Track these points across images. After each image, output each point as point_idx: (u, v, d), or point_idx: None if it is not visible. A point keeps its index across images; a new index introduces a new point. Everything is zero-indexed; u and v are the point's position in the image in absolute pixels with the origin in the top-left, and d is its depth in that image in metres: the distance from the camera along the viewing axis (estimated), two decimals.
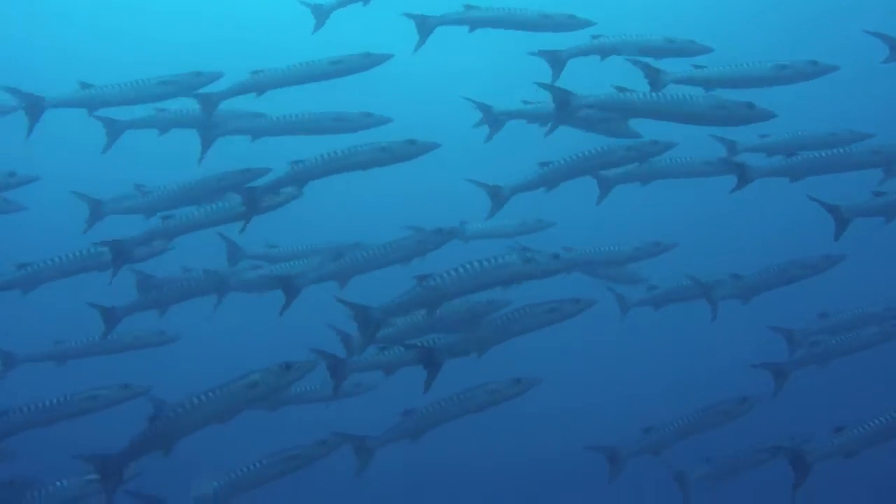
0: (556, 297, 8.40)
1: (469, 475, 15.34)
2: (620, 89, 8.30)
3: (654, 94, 8.37)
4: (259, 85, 9.56)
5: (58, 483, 8.23)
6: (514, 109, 9.76)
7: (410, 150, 8.78)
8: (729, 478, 10.58)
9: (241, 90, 9.59)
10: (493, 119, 9.73)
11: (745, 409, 9.80)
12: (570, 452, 10.01)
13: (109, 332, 9.36)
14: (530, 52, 9.29)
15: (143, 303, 9.56)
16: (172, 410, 7.11)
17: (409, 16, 9.89)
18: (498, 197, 9.06)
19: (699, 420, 9.72)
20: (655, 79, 8.57)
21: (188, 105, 9.81)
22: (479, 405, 8.66)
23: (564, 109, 8.33)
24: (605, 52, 9.37)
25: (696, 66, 8.91)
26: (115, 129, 9.85)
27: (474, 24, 9.89)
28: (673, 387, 14.76)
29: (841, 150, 9.25)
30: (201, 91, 9.48)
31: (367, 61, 9.61)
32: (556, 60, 9.23)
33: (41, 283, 9.24)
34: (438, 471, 15.04)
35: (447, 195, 13.00)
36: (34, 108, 9.54)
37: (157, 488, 8.36)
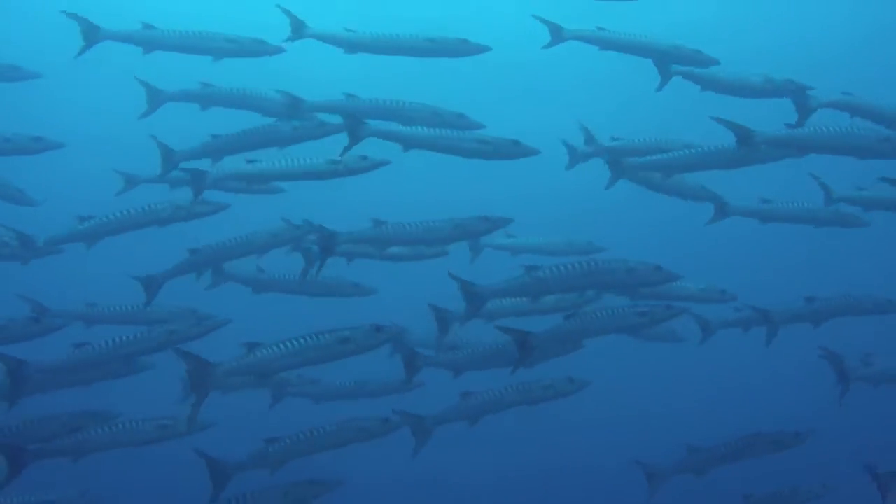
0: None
1: (515, 484, 15.39)
2: (791, 126, 8.51)
3: (826, 129, 8.44)
4: (352, 42, 9.61)
5: (136, 422, 8.37)
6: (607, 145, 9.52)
7: (512, 150, 8.79)
8: None
9: (333, 41, 9.61)
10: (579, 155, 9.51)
11: (797, 441, 9.68)
12: (610, 464, 9.95)
13: (151, 300, 9.24)
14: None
15: (185, 266, 9.30)
16: (270, 346, 7.40)
17: (543, 21, 9.81)
18: (618, 168, 9.05)
19: (746, 446, 9.59)
20: (804, 105, 8.83)
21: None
22: (533, 398, 8.78)
23: (747, 145, 8.45)
24: None
25: (846, 93, 9.06)
26: (156, 99, 9.69)
27: (605, 45, 9.74)
28: (718, 401, 14.82)
29: None
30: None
31: (463, 48, 9.62)
32: None
33: (102, 237, 9.23)
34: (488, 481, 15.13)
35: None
36: (89, 35, 9.60)
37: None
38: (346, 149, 8.65)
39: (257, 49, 9.81)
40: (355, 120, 8.60)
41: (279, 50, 9.79)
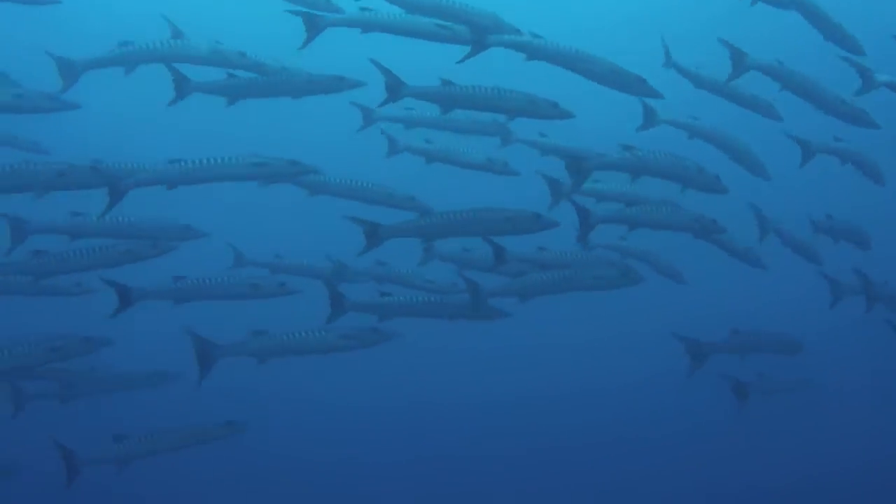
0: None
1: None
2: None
3: None
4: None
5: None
6: None
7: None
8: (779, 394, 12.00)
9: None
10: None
11: (797, 349, 10.99)
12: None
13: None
14: None
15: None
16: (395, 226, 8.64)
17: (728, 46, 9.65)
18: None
19: (775, 342, 10.79)
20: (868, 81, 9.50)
21: None
22: (584, 285, 9.31)
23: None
24: None
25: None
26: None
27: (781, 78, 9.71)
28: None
29: None
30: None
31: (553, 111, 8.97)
32: None
33: (137, 64, 9.07)
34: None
35: None
36: None
37: None
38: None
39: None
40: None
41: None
